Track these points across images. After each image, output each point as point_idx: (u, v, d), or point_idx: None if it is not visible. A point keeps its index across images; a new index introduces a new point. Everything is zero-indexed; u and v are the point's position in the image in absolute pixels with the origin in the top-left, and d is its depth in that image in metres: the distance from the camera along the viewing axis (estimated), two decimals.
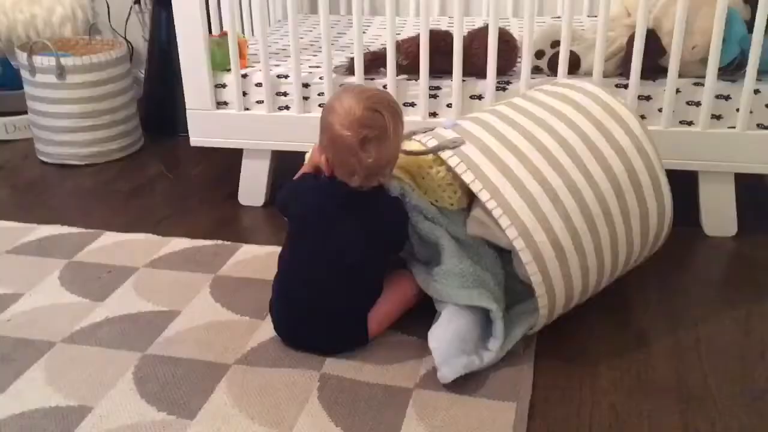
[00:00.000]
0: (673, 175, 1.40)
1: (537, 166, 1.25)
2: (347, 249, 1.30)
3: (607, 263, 1.29)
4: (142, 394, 1.20)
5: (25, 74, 2.17)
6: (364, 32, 2.15)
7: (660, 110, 1.69)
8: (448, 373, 1.21)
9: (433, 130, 1.36)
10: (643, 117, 1.70)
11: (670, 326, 1.39)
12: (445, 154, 1.29)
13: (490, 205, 1.23)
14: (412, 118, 1.81)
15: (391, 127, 1.24)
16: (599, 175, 1.26)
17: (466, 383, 1.22)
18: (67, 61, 2.11)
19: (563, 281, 1.24)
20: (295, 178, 1.40)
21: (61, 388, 1.21)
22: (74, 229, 1.76)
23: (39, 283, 1.52)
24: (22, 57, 2.15)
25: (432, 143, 1.32)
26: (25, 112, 2.30)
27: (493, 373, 1.24)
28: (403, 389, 1.21)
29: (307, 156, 1.44)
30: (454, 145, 1.29)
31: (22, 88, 2.25)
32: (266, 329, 1.37)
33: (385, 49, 1.80)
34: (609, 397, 1.21)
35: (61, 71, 2.10)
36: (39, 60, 2.12)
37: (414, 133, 1.37)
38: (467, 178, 1.25)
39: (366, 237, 1.30)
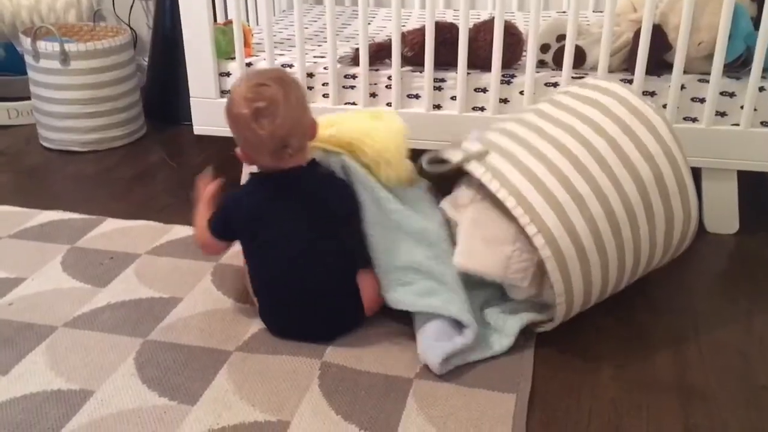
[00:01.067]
0: None
1: (565, 173, 1.24)
2: (304, 233, 1.30)
3: (628, 266, 1.29)
4: (143, 379, 1.20)
5: (29, 59, 2.17)
6: (368, 23, 2.15)
7: (664, 106, 1.69)
8: (432, 358, 1.21)
9: (459, 144, 1.35)
10: None
11: (671, 322, 1.40)
12: (470, 166, 1.29)
13: (518, 212, 1.23)
14: (416, 110, 1.81)
15: (280, 95, 1.24)
16: (627, 181, 1.25)
17: (465, 374, 1.22)
18: (71, 47, 2.11)
19: (583, 286, 1.24)
20: (208, 217, 1.36)
21: (63, 372, 1.21)
22: (76, 215, 1.76)
23: (41, 268, 1.53)
24: (26, 42, 2.14)
25: (458, 157, 1.32)
26: (28, 98, 2.30)
27: (492, 364, 1.25)
28: (403, 379, 1.21)
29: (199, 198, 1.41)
30: (479, 156, 1.29)
31: (25, 73, 2.24)
32: None
33: (389, 40, 1.80)
34: (609, 391, 1.21)
35: (64, 57, 2.10)
36: (43, 45, 2.11)
37: (441, 150, 1.37)
38: (493, 187, 1.25)
39: (314, 216, 1.31)
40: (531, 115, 1.38)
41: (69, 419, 1.11)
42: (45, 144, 2.24)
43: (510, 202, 1.23)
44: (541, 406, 1.17)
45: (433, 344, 1.24)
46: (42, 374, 1.21)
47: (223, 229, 1.35)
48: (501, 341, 1.29)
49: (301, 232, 1.30)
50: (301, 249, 1.30)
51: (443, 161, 1.36)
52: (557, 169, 1.25)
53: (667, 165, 1.29)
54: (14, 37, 2.39)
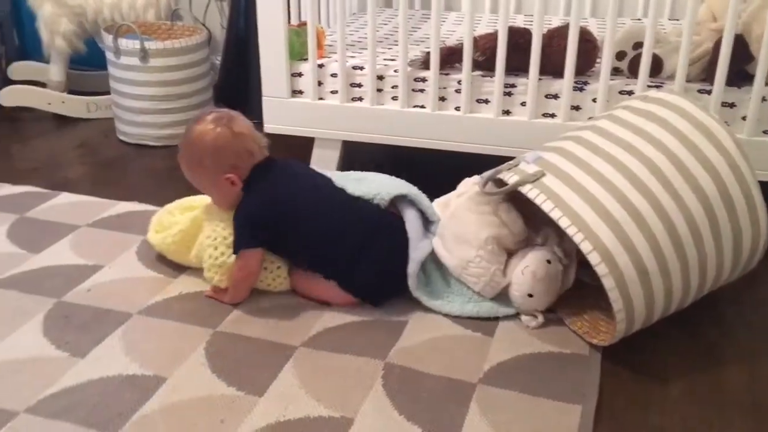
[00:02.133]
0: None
1: (621, 190, 1.23)
2: (335, 192, 1.48)
3: (693, 284, 1.26)
4: (213, 368, 1.23)
5: (110, 56, 2.25)
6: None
7: (744, 118, 1.65)
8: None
9: (517, 165, 1.35)
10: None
11: (743, 339, 1.36)
12: (524, 189, 1.29)
13: (571, 231, 1.22)
14: (484, 115, 1.81)
15: (222, 110, 1.47)
16: (689, 196, 1.23)
17: (530, 382, 1.21)
18: (150, 45, 2.18)
19: (645, 305, 1.22)
20: (222, 298, 1.43)
21: (137, 357, 1.26)
22: (150, 207, 1.82)
23: (118, 256, 1.58)
24: (108, 39, 2.23)
25: (513, 179, 1.32)
26: (107, 93, 2.38)
27: (558, 374, 1.24)
28: (466, 383, 1.21)
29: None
30: (534, 178, 1.29)
31: (104, 68, 2.33)
32: (331, 315, 1.39)
33: (461, 44, 1.80)
34: (678, 407, 1.19)
35: (144, 54, 2.18)
36: (124, 43, 2.19)
37: (498, 171, 1.37)
38: (546, 207, 1.25)
39: (325, 179, 1.51)
40: (588, 132, 1.36)
41: (143, 404, 1.15)
42: (122, 137, 2.32)
43: (564, 222, 1.23)
44: (607, 419, 1.16)
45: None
46: (118, 359, 1.25)
47: (257, 237, 1.41)
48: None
49: (333, 192, 1.47)
50: (348, 205, 1.45)
51: (500, 182, 1.36)
52: (614, 187, 1.23)
53: (732, 179, 1.25)
54: (96, 33, 2.48)
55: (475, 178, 1.47)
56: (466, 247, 1.40)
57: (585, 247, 1.21)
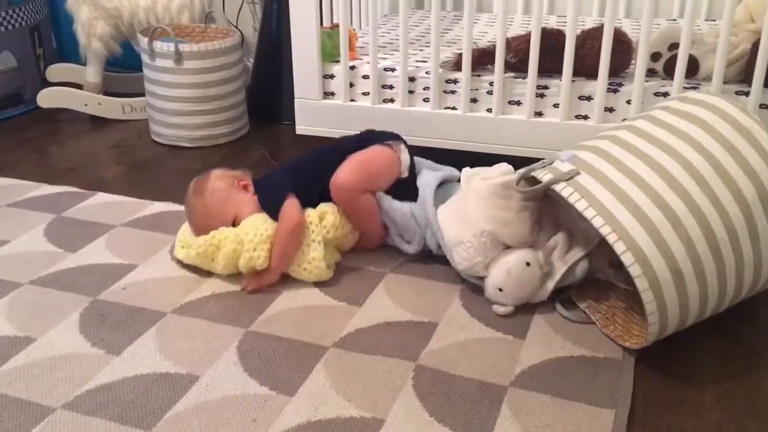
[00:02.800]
0: None
1: (657, 191, 1.21)
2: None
3: (729, 290, 1.24)
4: (245, 367, 1.24)
5: (145, 58, 2.29)
6: None
7: None
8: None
9: (551, 164, 1.34)
10: None
11: None
12: (558, 187, 1.29)
13: (605, 230, 1.20)
14: (516, 116, 1.80)
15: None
16: (727, 199, 1.20)
17: (562, 386, 1.20)
18: (185, 48, 2.21)
19: (678, 308, 1.20)
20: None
21: (171, 356, 1.27)
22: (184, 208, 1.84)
23: (152, 255, 1.61)
24: (143, 41, 2.26)
25: (547, 177, 1.31)
26: (141, 94, 2.42)
27: (590, 378, 1.23)
28: (497, 386, 1.21)
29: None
30: (568, 177, 1.28)
31: (139, 70, 2.37)
32: (362, 316, 1.40)
33: (493, 45, 1.79)
34: (713, 412, 1.17)
35: (178, 57, 2.20)
36: (159, 45, 2.22)
37: (532, 169, 1.37)
38: (580, 206, 1.24)
39: None
40: (625, 132, 1.34)
41: (176, 401, 1.16)
42: (156, 139, 2.36)
43: (597, 222, 1.21)
44: (640, 423, 1.14)
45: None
46: (152, 357, 1.27)
47: (286, 184, 1.56)
48: None
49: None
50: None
51: (534, 180, 1.36)
52: (650, 188, 1.21)
53: None
54: (131, 36, 2.52)
55: (505, 167, 1.47)
56: (464, 229, 1.44)
57: (619, 247, 1.19)
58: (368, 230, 1.61)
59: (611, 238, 1.20)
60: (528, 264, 1.40)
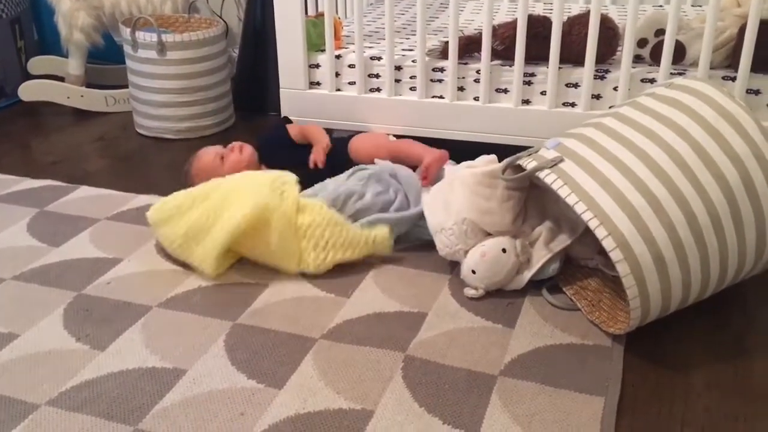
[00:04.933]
0: None
1: (640, 176, 1.21)
2: None
3: (713, 276, 1.24)
4: (233, 361, 1.23)
5: (127, 49, 2.25)
6: None
7: None
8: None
9: (537, 152, 1.34)
10: None
11: (766, 329, 1.33)
12: (542, 174, 1.29)
13: (586, 216, 1.20)
14: (504, 104, 1.79)
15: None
16: (710, 185, 1.20)
17: (551, 374, 1.20)
18: (168, 38, 2.18)
19: (661, 293, 1.20)
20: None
21: (157, 350, 1.26)
22: None
23: (137, 249, 1.59)
24: (125, 32, 2.23)
25: (532, 165, 1.32)
26: (124, 86, 2.39)
27: (580, 366, 1.22)
28: (487, 375, 1.20)
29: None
30: (552, 164, 1.28)
31: (120, 62, 2.34)
32: (351, 307, 1.39)
33: (479, 33, 1.78)
34: (703, 398, 1.17)
35: (161, 47, 2.18)
36: (142, 36, 2.19)
37: (518, 157, 1.37)
38: (563, 192, 1.24)
39: None
40: (610, 119, 1.34)
41: (163, 396, 1.15)
42: (140, 131, 2.33)
43: (579, 207, 1.21)
44: (630, 411, 1.14)
45: None
46: (138, 351, 1.26)
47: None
48: None
49: None
50: None
51: (520, 168, 1.36)
52: (632, 174, 1.22)
53: (756, 168, 1.22)
54: (113, 27, 2.49)
55: (490, 157, 1.51)
56: (447, 215, 1.46)
57: (600, 232, 1.19)
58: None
59: (592, 224, 1.20)
60: (504, 250, 1.41)
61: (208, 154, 1.79)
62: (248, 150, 1.79)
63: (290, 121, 1.91)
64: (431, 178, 1.63)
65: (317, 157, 1.74)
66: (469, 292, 1.42)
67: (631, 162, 1.23)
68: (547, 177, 1.28)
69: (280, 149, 1.82)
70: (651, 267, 1.18)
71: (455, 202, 1.45)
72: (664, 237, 1.18)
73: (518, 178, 1.35)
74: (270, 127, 1.95)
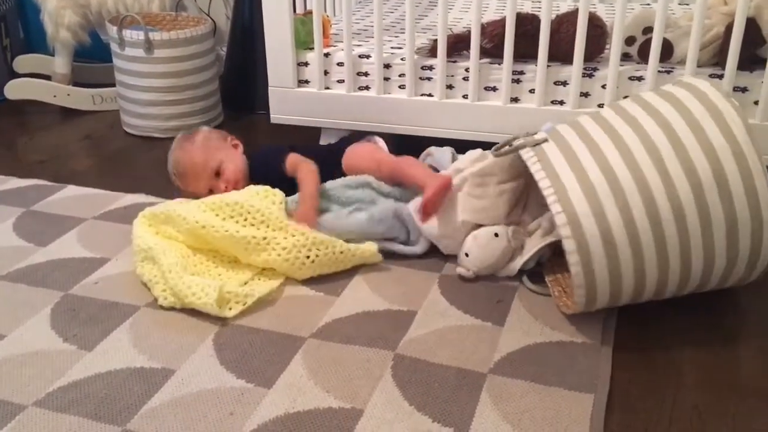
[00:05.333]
0: None
1: (607, 158, 1.24)
2: None
3: (674, 268, 1.23)
4: (221, 360, 1.23)
5: (114, 47, 2.24)
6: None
7: (756, 103, 1.62)
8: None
9: (533, 135, 1.37)
10: None
11: (759, 329, 1.34)
12: (523, 151, 1.33)
13: (547, 192, 1.24)
14: (493, 102, 1.79)
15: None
16: (678, 176, 1.20)
17: (541, 371, 1.20)
18: (155, 36, 2.17)
19: (609, 276, 1.22)
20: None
21: (146, 350, 1.25)
22: (157, 199, 1.81)
23: (124, 248, 1.57)
24: (112, 30, 2.21)
25: (519, 143, 1.36)
26: (111, 85, 2.37)
27: (569, 364, 1.22)
28: (477, 373, 1.20)
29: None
30: (535, 143, 1.33)
31: (108, 61, 2.32)
32: (340, 306, 1.38)
33: (468, 31, 1.78)
34: (692, 395, 1.17)
35: (149, 45, 2.16)
36: (128, 34, 2.18)
37: (514, 138, 1.40)
38: (534, 168, 1.28)
39: None
40: (608, 109, 1.36)
41: (151, 396, 1.14)
42: (128, 130, 2.31)
43: (544, 183, 1.25)
44: (619, 407, 1.14)
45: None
46: (126, 351, 1.25)
47: (282, 147, 1.73)
48: None
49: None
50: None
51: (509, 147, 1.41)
52: (601, 155, 1.25)
53: (733, 165, 1.21)
54: (100, 25, 2.47)
55: (476, 153, 1.55)
56: (443, 222, 1.50)
57: (555, 208, 1.23)
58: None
59: (550, 199, 1.23)
60: (496, 234, 1.45)
61: (197, 178, 1.67)
62: (239, 186, 1.65)
63: (294, 150, 1.71)
64: (431, 213, 1.49)
65: (302, 219, 1.51)
66: (461, 270, 1.46)
67: (606, 146, 1.26)
68: (526, 154, 1.33)
69: (267, 177, 1.63)
70: (599, 246, 1.20)
71: (449, 207, 1.48)
72: (617, 218, 1.20)
73: (503, 153, 1.40)
74: (270, 149, 1.77)
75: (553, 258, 1.49)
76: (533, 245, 1.45)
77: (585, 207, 1.21)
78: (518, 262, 1.44)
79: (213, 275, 1.43)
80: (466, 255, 1.45)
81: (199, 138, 1.73)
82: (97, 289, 1.43)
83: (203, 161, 1.68)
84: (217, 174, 1.68)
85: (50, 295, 1.41)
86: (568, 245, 1.21)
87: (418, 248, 1.53)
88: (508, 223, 1.49)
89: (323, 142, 1.97)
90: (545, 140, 1.33)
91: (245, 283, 1.42)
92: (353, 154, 1.68)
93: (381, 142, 1.75)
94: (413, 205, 1.52)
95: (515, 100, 1.78)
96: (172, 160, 1.73)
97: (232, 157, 1.71)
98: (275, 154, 1.69)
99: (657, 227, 1.20)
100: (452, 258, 1.53)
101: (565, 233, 1.21)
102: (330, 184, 1.61)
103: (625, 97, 1.61)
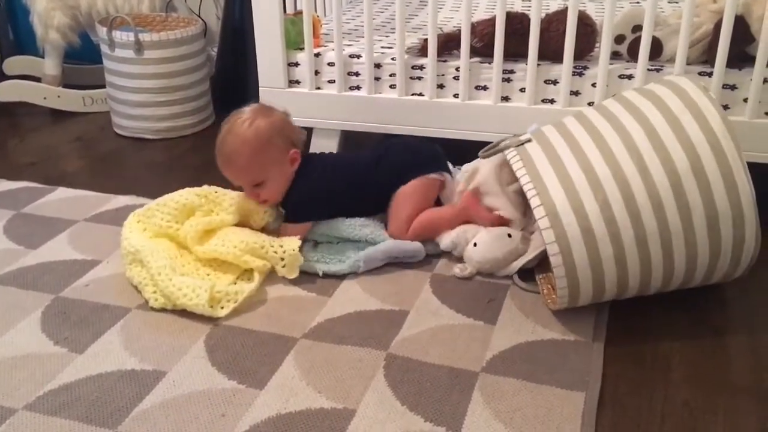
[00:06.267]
0: (756, 169, 1.35)
1: (586, 154, 1.27)
2: None
3: (655, 261, 1.24)
4: (213, 362, 1.22)
5: (104, 48, 2.23)
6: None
7: (745, 100, 1.63)
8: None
9: (519, 136, 1.41)
10: (726, 107, 1.64)
11: (747, 325, 1.35)
12: (507, 152, 1.38)
13: (527, 188, 1.27)
14: (483, 102, 1.79)
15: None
16: (656, 168, 1.22)
17: (533, 370, 1.20)
18: (145, 37, 2.16)
19: (591, 269, 1.24)
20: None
21: (137, 352, 1.25)
22: (148, 200, 1.80)
23: (115, 250, 1.57)
24: (102, 32, 2.21)
25: (504, 143, 1.40)
26: (101, 86, 2.37)
27: (561, 362, 1.23)
28: (469, 372, 1.20)
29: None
30: (519, 143, 1.37)
31: (98, 62, 2.31)
32: (332, 306, 1.38)
33: (458, 30, 1.78)
34: (682, 392, 1.18)
35: (139, 47, 2.16)
36: (118, 35, 2.17)
37: (502, 140, 1.43)
38: (516, 167, 1.32)
39: None
40: (590, 109, 1.39)
41: (142, 398, 1.14)
42: (118, 131, 2.31)
43: (524, 179, 1.29)
44: (610, 405, 1.15)
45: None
46: (117, 354, 1.24)
47: (306, 216, 1.58)
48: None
49: (363, 182, 1.63)
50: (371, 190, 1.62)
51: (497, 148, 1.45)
52: (581, 152, 1.28)
53: (711, 157, 1.22)
54: (90, 27, 2.46)
55: (472, 167, 1.58)
56: (455, 233, 1.53)
57: (534, 201, 1.26)
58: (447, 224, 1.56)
59: (530, 194, 1.26)
60: (509, 235, 1.47)
61: (235, 177, 1.54)
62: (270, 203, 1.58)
63: (340, 161, 1.67)
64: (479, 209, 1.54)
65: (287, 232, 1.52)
66: (455, 270, 1.47)
67: (586, 144, 1.29)
68: (509, 154, 1.37)
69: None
70: (578, 238, 1.22)
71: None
72: (596, 210, 1.22)
73: (489, 154, 1.44)
74: (310, 189, 1.59)
75: (544, 258, 1.49)
76: (535, 247, 1.46)
77: (564, 201, 1.24)
78: (519, 262, 1.45)
79: (201, 275, 1.43)
80: (475, 245, 1.47)
81: (263, 128, 1.49)
82: (88, 292, 1.43)
83: (246, 167, 1.50)
84: (257, 185, 1.53)
85: (41, 297, 1.41)
86: (548, 236, 1.24)
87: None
88: (523, 227, 1.52)
89: (314, 142, 1.96)
90: (529, 140, 1.36)
91: (234, 282, 1.42)
92: (405, 201, 1.56)
93: (448, 178, 1.60)
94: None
95: (506, 98, 1.79)
96: (219, 141, 1.52)
97: (279, 177, 1.53)
98: (304, 213, 1.57)
99: (637, 221, 1.22)
100: (444, 257, 1.54)
101: (544, 224, 1.24)
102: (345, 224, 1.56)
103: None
